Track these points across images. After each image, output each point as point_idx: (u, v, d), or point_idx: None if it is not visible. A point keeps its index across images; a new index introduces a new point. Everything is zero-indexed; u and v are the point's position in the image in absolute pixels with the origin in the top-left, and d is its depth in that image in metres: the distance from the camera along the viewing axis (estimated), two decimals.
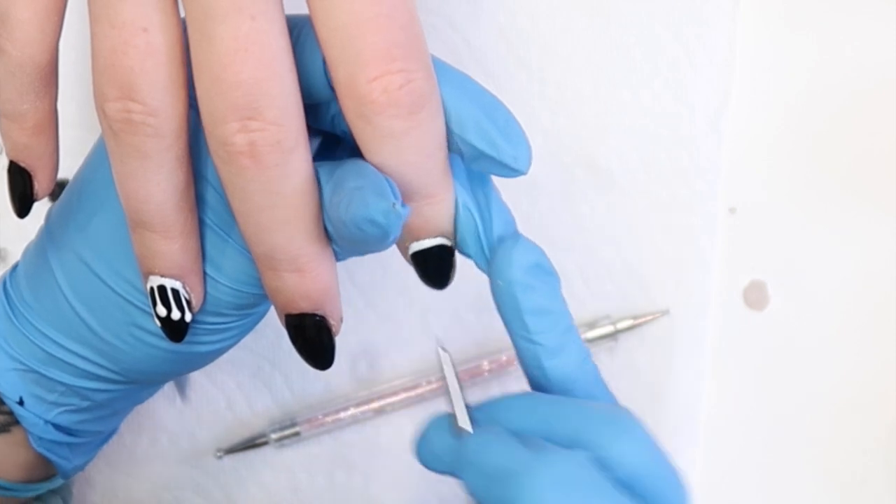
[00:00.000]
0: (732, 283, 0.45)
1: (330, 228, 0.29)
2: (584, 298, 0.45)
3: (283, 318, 0.31)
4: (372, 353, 0.44)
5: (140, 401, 0.37)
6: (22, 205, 0.32)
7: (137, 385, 0.35)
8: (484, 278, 0.44)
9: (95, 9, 0.28)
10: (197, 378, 0.44)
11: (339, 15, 0.27)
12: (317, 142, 0.31)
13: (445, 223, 0.30)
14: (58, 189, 0.42)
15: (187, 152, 0.29)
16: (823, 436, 0.45)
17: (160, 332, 0.32)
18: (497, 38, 0.44)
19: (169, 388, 0.43)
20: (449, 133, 0.29)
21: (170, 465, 0.44)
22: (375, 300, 0.44)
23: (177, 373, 0.35)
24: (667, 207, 0.44)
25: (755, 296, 0.45)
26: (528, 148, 0.30)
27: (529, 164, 0.30)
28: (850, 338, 0.45)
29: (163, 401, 0.43)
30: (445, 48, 0.44)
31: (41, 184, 0.32)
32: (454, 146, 0.29)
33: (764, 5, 0.45)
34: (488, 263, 0.31)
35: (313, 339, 0.31)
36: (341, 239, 0.29)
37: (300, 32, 0.29)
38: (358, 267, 0.44)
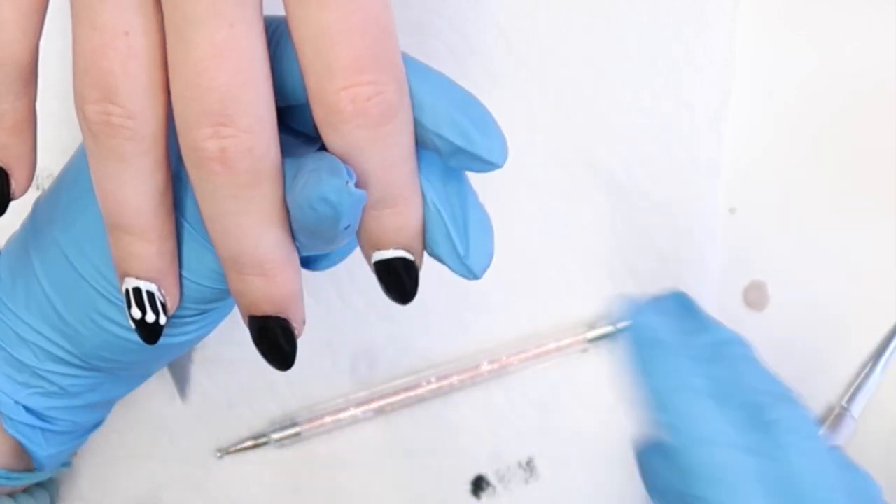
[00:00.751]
0: (732, 283, 0.45)
1: (291, 220, 0.29)
2: (584, 298, 0.45)
3: (247, 319, 0.31)
4: (372, 354, 0.44)
5: (116, 396, 0.37)
6: None
7: (106, 376, 0.35)
8: (486, 278, 0.44)
9: (77, 11, 0.28)
10: (197, 378, 0.44)
11: (312, 24, 0.27)
12: (317, 145, 0.31)
13: (408, 236, 0.30)
14: None
15: (166, 156, 0.29)
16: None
17: (123, 321, 0.32)
18: (497, 38, 0.44)
19: (169, 387, 0.43)
20: (424, 130, 0.29)
21: (170, 465, 0.44)
22: (375, 300, 0.44)
23: (143, 363, 0.35)
24: (667, 207, 0.44)
25: (755, 296, 0.45)
26: (503, 140, 0.29)
27: (505, 156, 0.29)
28: (850, 338, 0.45)
29: (163, 401, 0.43)
30: (445, 48, 0.44)
31: (18, 182, 0.32)
32: (430, 143, 0.29)
33: (764, 5, 0.45)
34: (462, 265, 0.30)
35: (276, 341, 0.31)
36: (300, 226, 0.29)
37: (281, 35, 0.29)
38: (358, 267, 0.43)
